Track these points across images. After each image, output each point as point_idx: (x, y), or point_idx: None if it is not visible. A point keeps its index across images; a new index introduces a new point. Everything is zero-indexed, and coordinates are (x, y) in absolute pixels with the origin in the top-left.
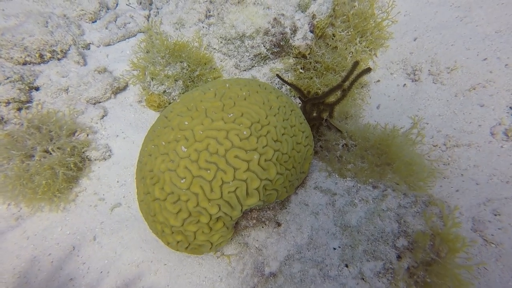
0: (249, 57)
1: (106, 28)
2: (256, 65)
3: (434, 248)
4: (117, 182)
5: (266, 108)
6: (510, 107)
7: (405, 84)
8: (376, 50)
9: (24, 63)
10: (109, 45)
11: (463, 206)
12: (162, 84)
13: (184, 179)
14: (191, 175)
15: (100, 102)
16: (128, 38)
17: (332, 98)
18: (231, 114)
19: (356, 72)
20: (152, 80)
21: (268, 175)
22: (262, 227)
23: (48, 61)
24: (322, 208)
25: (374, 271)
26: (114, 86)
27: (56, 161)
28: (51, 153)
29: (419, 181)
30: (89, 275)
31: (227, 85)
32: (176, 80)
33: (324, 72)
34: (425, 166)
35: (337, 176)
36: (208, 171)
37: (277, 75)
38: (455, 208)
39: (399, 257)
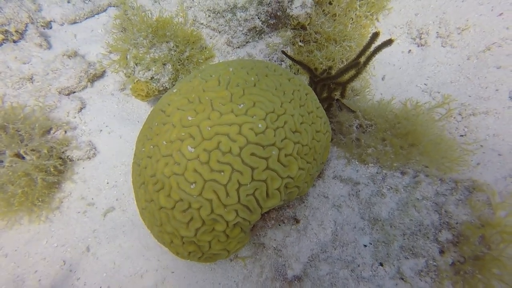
0: (243, 31)
1: (69, 2)
2: (250, 40)
3: (484, 240)
4: (107, 183)
5: (280, 94)
6: None
7: (410, 50)
8: (377, 14)
9: None
10: (75, 22)
11: (487, 180)
12: (149, 70)
13: (194, 184)
14: (202, 179)
15: (74, 92)
16: (97, 13)
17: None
18: (242, 105)
19: (373, 46)
20: (136, 65)
21: (290, 172)
22: (279, 225)
23: (1, 44)
24: (345, 199)
25: (415, 270)
26: (90, 73)
27: (32, 166)
28: (23, 157)
29: (450, 162)
30: None
31: (231, 69)
32: (164, 64)
33: (325, 44)
34: (455, 144)
35: (357, 162)
36: (222, 173)
37: (284, 52)
38: (489, 192)
39: (441, 252)
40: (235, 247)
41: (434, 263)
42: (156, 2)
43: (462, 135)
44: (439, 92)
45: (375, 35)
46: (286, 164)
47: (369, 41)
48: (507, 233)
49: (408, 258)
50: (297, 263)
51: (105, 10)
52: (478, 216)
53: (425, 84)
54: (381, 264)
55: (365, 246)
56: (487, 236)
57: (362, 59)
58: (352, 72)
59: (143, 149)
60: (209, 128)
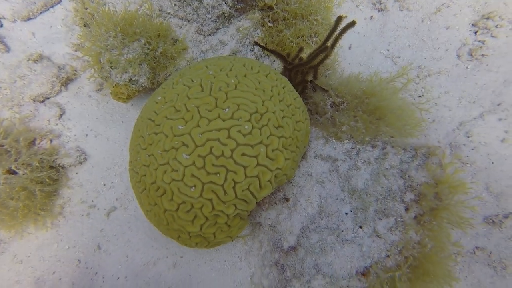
0: (212, 19)
1: None
2: (221, 26)
3: (437, 195)
4: (104, 185)
5: (260, 93)
6: (472, 24)
7: (372, 16)
8: None
9: None
10: (29, 18)
11: (440, 134)
12: (126, 72)
13: (193, 188)
14: (201, 182)
15: (49, 98)
16: (52, 6)
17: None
18: (227, 109)
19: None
20: (112, 68)
21: (278, 164)
22: (272, 206)
23: None
24: (326, 175)
25: (387, 227)
26: (62, 77)
27: (27, 180)
28: (16, 172)
29: (411, 129)
30: (106, 284)
31: (210, 73)
32: (140, 64)
33: (293, 21)
34: (413, 112)
35: (334, 140)
36: (218, 175)
37: (256, 43)
38: (440, 155)
39: (406, 209)
40: (236, 232)
41: (401, 219)
42: None
43: (420, 96)
44: (399, 57)
45: (339, 18)
46: (273, 158)
47: (335, 25)
48: (453, 186)
49: (381, 219)
50: (291, 236)
51: (59, 2)
52: (433, 176)
53: (387, 49)
54: (360, 227)
55: (346, 214)
56: (439, 191)
57: (329, 43)
58: (321, 56)
59: (139, 158)
60: (200, 135)
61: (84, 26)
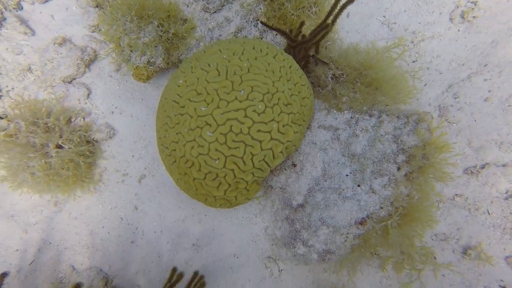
0: None
1: None
2: (225, 3)
3: (425, 156)
4: (133, 156)
5: (270, 75)
6: None
7: None
8: None
9: None
10: (46, 1)
11: (430, 97)
12: (144, 54)
13: (218, 160)
14: (223, 155)
15: (75, 79)
16: None
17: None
18: (242, 91)
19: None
20: (131, 52)
21: (288, 137)
22: (282, 171)
23: None
24: (329, 143)
25: (382, 185)
26: (85, 59)
27: (73, 153)
28: (62, 147)
29: (404, 97)
30: (146, 237)
31: (224, 57)
32: (155, 46)
33: None
34: (407, 80)
35: (335, 111)
36: (238, 149)
37: (262, 22)
38: (429, 121)
39: (398, 169)
40: (253, 195)
41: (394, 177)
42: None
43: (414, 61)
44: (395, 23)
45: None
46: (284, 132)
47: (334, 3)
48: (438, 147)
49: (376, 178)
50: (299, 196)
51: None
52: (422, 140)
53: (383, 16)
54: (358, 186)
55: (346, 175)
56: (427, 152)
57: (330, 19)
58: (323, 33)
59: (167, 135)
60: (221, 115)
61: (97, 7)
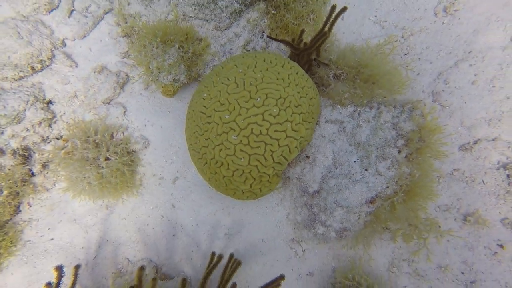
0: (226, 16)
1: (69, 17)
2: (234, 21)
3: (421, 138)
4: (166, 162)
5: (281, 82)
6: None
7: None
8: None
9: (19, 78)
10: (84, 37)
11: (424, 85)
12: (170, 74)
13: (243, 159)
14: (248, 154)
15: (113, 100)
16: (98, 22)
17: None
18: (258, 99)
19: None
20: (159, 72)
21: (300, 134)
22: (297, 163)
23: (39, 71)
24: (336, 135)
25: (386, 167)
26: (120, 82)
27: (120, 164)
28: (109, 159)
29: (399, 88)
30: (185, 230)
31: (240, 71)
32: (179, 66)
33: (291, 5)
34: (400, 73)
35: (339, 106)
36: (259, 148)
37: (268, 36)
38: (421, 108)
39: (399, 152)
40: (275, 186)
41: (396, 159)
42: (147, 6)
43: (406, 54)
44: (386, 21)
45: (333, 8)
46: (297, 130)
47: (329, 14)
48: (431, 130)
49: (381, 162)
50: (314, 183)
51: (102, 18)
52: (417, 124)
53: (375, 16)
54: (366, 170)
55: (354, 161)
56: (422, 135)
57: (327, 27)
58: (322, 40)
59: (198, 141)
60: (243, 121)
61: (125, 36)
